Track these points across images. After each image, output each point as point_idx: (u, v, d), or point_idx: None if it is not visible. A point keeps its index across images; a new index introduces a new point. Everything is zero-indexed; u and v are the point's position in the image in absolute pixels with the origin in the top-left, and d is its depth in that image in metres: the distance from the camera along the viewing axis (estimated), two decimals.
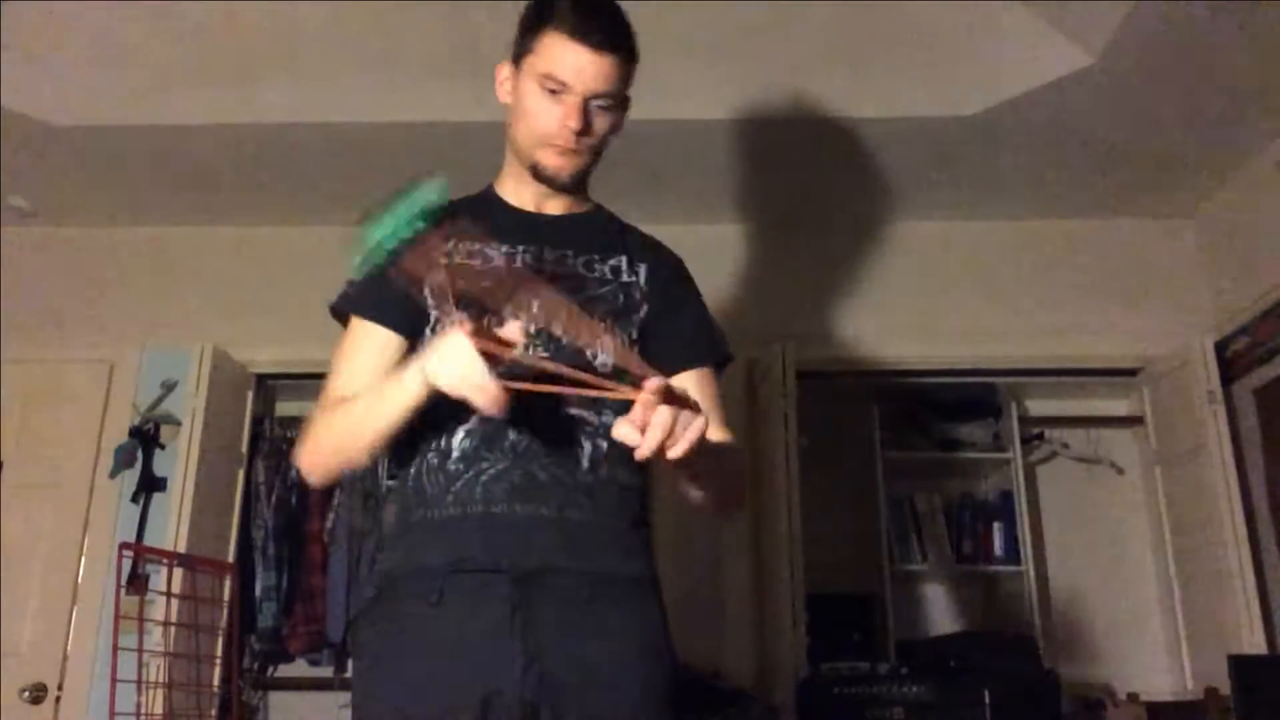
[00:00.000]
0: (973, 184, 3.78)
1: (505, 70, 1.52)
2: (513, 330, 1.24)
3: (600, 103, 1.45)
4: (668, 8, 2.98)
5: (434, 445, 1.41)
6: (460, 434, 1.40)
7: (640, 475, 1.47)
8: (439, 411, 1.33)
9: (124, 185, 3.78)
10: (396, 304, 1.43)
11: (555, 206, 1.55)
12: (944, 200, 3.89)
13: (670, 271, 1.57)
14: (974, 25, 3.10)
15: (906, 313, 3.90)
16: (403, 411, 1.31)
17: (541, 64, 1.43)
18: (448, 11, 3.06)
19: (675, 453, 1.15)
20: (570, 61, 1.42)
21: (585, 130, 1.45)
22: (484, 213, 1.53)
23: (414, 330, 1.45)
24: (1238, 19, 2.84)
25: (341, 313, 1.52)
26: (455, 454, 1.40)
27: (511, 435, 1.39)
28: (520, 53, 1.48)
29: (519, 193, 1.55)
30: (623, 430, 1.15)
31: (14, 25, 3.03)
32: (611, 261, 1.53)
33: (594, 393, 1.22)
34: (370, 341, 1.46)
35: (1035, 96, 3.20)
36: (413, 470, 1.43)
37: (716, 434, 1.45)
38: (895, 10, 3.08)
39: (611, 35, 1.44)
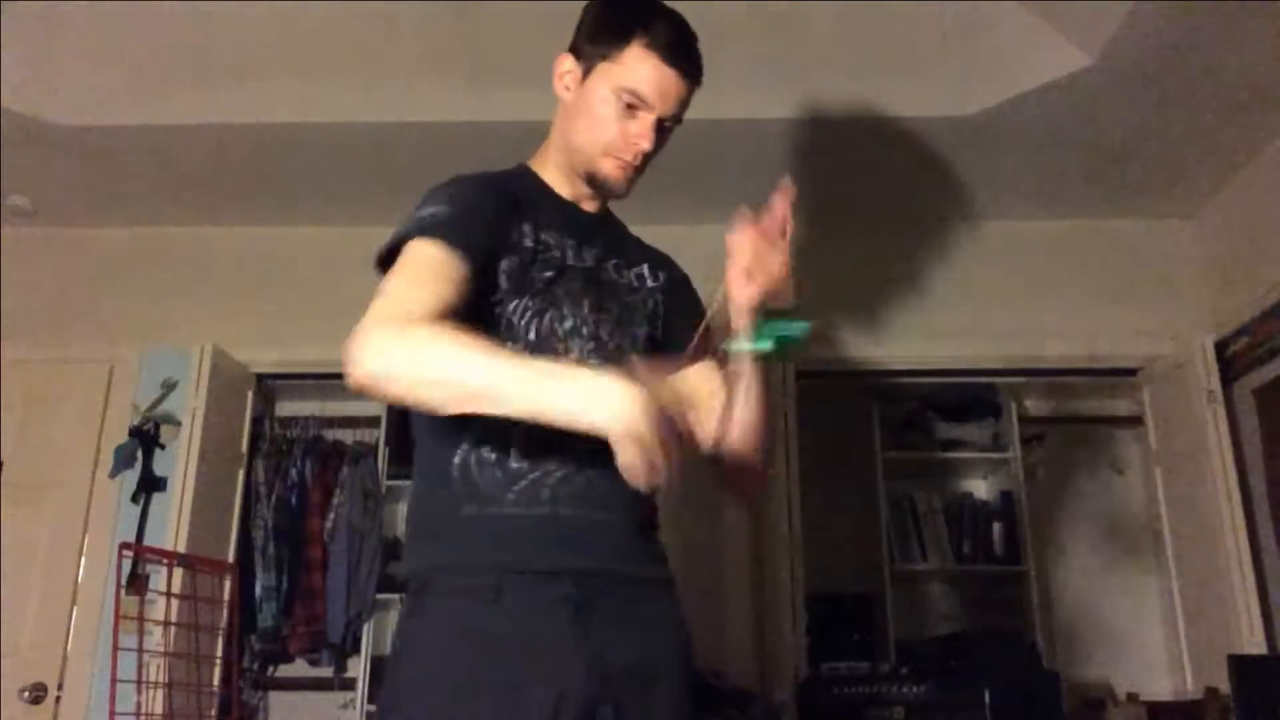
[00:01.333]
0: (972, 184, 3.77)
1: (568, 64, 1.49)
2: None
3: (668, 124, 1.47)
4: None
5: (488, 437, 1.37)
6: (519, 429, 1.33)
7: None
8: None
9: (124, 185, 3.78)
10: (484, 236, 1.37)
11: (590, 205, 1.55)
12: (943, 200, 3.88)
13: (681, 283, 1.61)
14: (973, 25, 3.10)
15: (906, 313, 3.90)
16: (540, 411, 1.19)
17: (626, 77, 1.42)
18: (448, 12, 3.06)
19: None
20: (658, 82, 1.43)
21: (652, 149, 1.47)
22: (534, 196, 1.50)
23: (484, 266, 1.37)
24: (1238, 19, 2.84)
25: (419, 237, 1.34)
26: (516, 451, 1.37)
27: (575, 439, 1.37)
28: (595, 54, 1.45)
29: (560, 185, 1.54)
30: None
31: (14, 25, 3.03)
32: (636, 269, 1.56)
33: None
34: (449, 271, 1.31)
35: (1035, 97, 3.19)
36: (458, 460, 1.37)
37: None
38: (894, 10, 3.08)
39: (697, 62, 1.47)
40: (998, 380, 4.07)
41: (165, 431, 3.71)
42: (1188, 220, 3.97)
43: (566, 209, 1.52)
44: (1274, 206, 3.51)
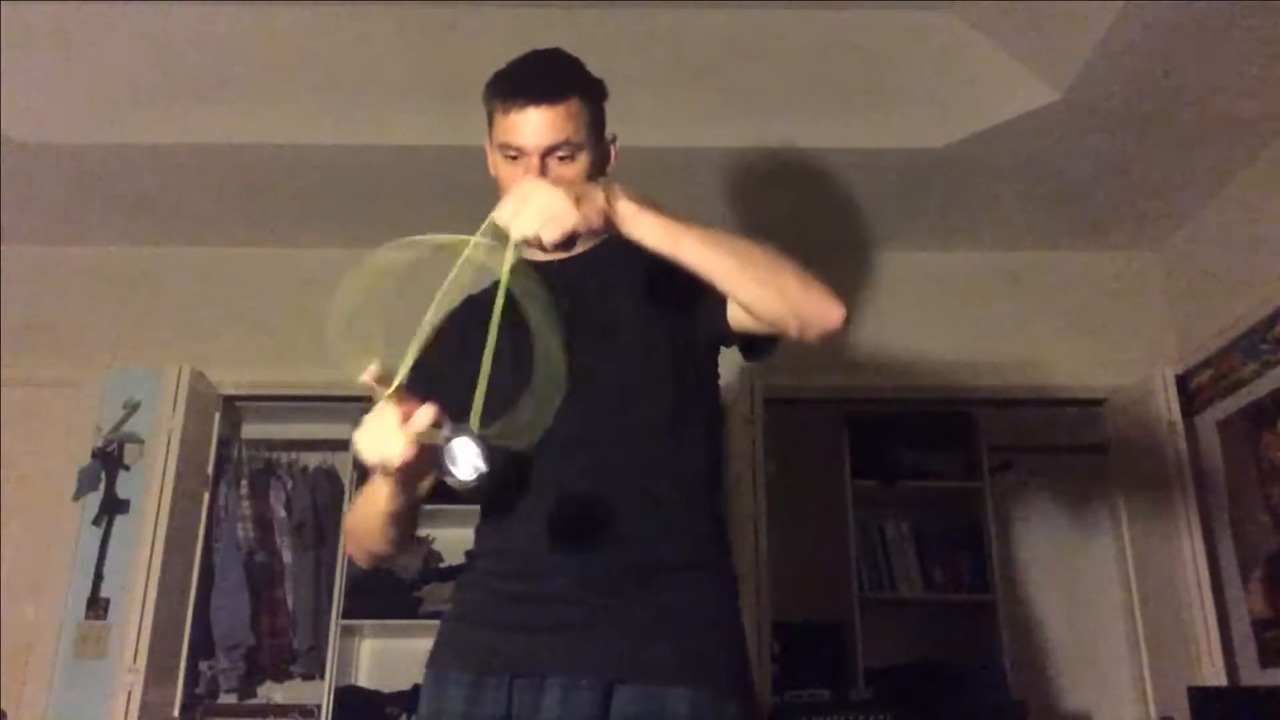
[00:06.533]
0: (941, 216, 3.81)
1: (487, 148, 1.54)
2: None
3: (561, 153, 1.45)
4: (641, 37, 3.01)
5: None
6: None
7: None
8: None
9: (93, 205, 3.75)
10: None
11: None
12: (912, 232, 3.92)
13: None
14: (942, 59, 3.14)
15: (876, 341, 3.92)
16: (378, 498, 1.35)
17: (498, 136, 1.48)
18: (423, 34, 3.07)
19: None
20: (514, 125, 1.45)
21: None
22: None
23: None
24: (1202, 56, 2.89)
25: None
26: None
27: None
28: (489, 131, 1.51)
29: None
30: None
31: None
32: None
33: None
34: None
35: (1003, 130, 3.24)
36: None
37: None
38: (864, 43, 3.11)
39: (550, 85, 1.45)
40: (966, 409, 4.10)
41: (129, 452, 3.67)
42: (1153, 253, 4.03)
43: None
44: (1238, 240, 3.57)
